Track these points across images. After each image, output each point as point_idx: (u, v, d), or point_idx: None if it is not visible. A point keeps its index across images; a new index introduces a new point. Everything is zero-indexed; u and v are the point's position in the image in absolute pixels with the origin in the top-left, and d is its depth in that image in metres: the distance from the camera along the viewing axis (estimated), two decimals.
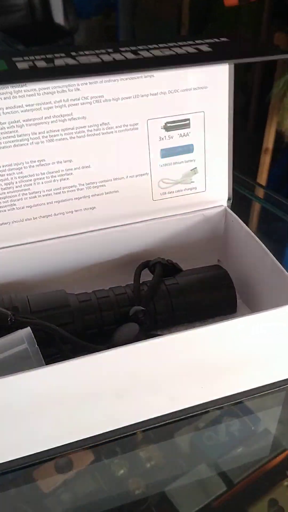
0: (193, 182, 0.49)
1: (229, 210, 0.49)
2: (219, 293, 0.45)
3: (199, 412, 0.40)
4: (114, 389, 0.36)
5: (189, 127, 0.47)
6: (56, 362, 0.33)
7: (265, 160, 1.43)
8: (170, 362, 0.36)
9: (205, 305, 0.45)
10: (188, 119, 0.47)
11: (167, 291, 0.43)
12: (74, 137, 0.44)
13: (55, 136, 0.44)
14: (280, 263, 0.40)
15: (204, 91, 0.46)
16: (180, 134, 0.47)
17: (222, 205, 0.50)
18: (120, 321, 0.41)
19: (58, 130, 0.43)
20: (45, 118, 0.43)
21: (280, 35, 1.29)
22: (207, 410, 0.40)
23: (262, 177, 1.45)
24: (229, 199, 0.50)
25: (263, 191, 0.75)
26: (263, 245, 0.42)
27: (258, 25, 1.63)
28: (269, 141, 1.39)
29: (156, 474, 0.40)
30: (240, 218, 0.48)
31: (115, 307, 0.42)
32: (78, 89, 0.43)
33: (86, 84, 0.43)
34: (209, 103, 0.46)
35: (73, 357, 0.33)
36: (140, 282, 0.44)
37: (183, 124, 0.47)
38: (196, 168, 0.49)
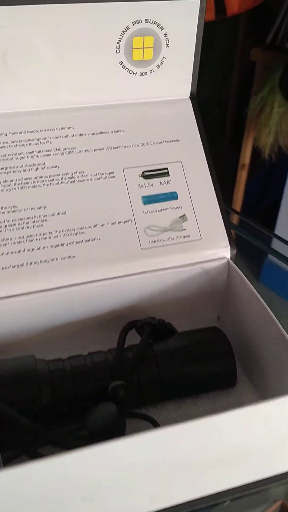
0: (184, 229, 0.44)
1: (232, 263, 0.43)
2: (216, 364, 0.39)
3: (185, 510, 0.34)
4: (81, 492, 0.30)
5: (168, 176, 0.45)
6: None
7: (242, 176, 1.42)
8: (149, 461, 0.30)
9: (199, 378, 0.38)
10: (166, 168, 0.45)
11: (154, 360, 0.37)
12: (47, 184, 0.42)
13: (27, 183, 0.41)
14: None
15: (177, 144, 0.46)
16: (160, 182, 0.44)
17: (224, 257, 0.44)
18: (97, 397, 0.34)
19: (31, 178, 0.42)
20: (17, 167, 0.42)
21: (256, 50, 1.29)
22: (195, 509, 0.34)
23: (239, 193, 1.44)
24: (232, 250, 0.44)
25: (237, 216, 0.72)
26: (268, 308, 0.36)
27: (234, 41, 1.61)
28: (245, 157, 1.39)
29: None
30: None
31: (91, 379, 0.35)
32: (50, 142, 0.43)
33: (58, 137, 0.44)
34: (185, 153, 0.46)
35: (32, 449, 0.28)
36: (126, 345, 0.38)
37: (161, 173, 0.45)
38: (185, 215, 0.44)
